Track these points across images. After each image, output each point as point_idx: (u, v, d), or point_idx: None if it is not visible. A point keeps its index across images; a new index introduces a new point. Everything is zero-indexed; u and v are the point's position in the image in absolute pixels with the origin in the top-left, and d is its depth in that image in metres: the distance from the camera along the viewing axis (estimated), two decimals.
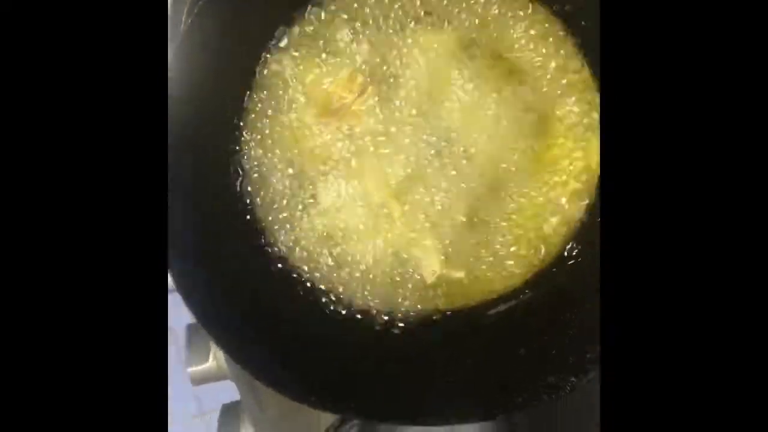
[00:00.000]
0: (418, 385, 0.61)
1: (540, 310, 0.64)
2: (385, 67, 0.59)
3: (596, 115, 0.60)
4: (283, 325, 0.61)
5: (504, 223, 0.63)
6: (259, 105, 0.60)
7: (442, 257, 0.62)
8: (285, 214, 0.62)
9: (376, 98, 0.59)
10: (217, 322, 0.55)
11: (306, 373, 0.59)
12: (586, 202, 0.63)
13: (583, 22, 0.59)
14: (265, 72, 0.60)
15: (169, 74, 0.50)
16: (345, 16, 0.59)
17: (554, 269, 0.64)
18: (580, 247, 0.64)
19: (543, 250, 0.64)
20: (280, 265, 0.63)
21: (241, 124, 0.61)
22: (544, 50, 0.59)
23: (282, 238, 0.62)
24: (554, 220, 0.63)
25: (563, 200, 0.62)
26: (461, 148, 0.60)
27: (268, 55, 0.60)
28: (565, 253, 0.64)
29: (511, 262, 0.64)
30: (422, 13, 0.59)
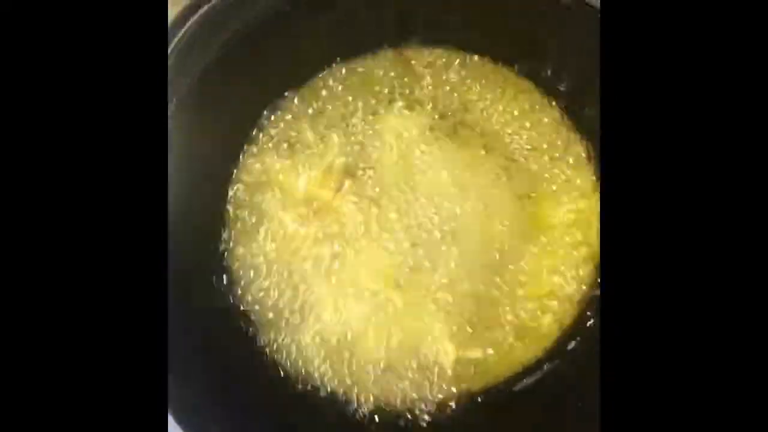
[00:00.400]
0: None
1: (569, 379, 0.60)
2: (360, 158, 0.58)
3: (586, 178, 0.59)
4: None
5: (515, 292, 0.60)
6: (239, 212, 0.60)
7: (455, 339, 0.59)
8: (285, 323, 0.60)
9: (356, 191, 0.58)
10: None
11: None
12: (593, 266, 0.60)
13: (560, 88, 0.59)
14: (241, 179, 0.59)
15: None
16: (311, 114, 0.59)
17: (577, 335, 0.61)
18: (599, 309, 0.60)
19: (562, 313, 0.60)
20: (284, 375, 0.60)
21: (223, 232, 0.60)
22: (515, 112, 0.59)
23: (284, 346, 0.60)
24: (567, 280, 0.60)
25: (571, 265, 0.60)
26: (453, 228, 0.58)
27: (240, 162, 0.59)
28: (586, 314, 0.61)
29: (529, 333, 0.60)
30: (389, 98, 0.58)
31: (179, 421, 0.49)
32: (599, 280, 0.59)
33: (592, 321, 0.60)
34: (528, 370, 0.61)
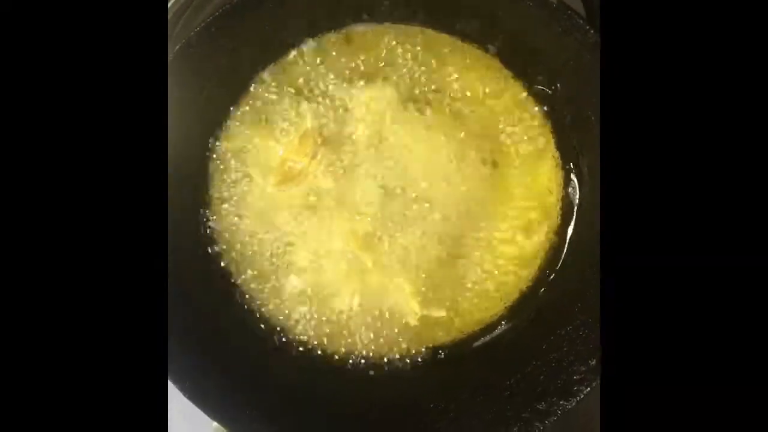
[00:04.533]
0: (413, 427, 0.62)
1: (525, 335, 0.64)
2: (333, 127, 0.62)
3: (547, 150, 0.63)
4: (274, 386, 0.62)
5: (478, 255, 0.64)
6: (222, 178, 0.63)
7: (421, 298, 0.63)
8: (263, 279, 0.64)
9: (330, 157, 0.61)
10: (205, 394, 0.57)
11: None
12: (554, 224, 0.64)
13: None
14: (221, 148, 0.63)
15: None
16: (288, 86, 0.62)
17: (535, 292, 0.65)
18: (557, 267, 0.65)
19: (521, 275, 0.65)
20: (263, 326, 0.65)
21: (206, 195, 0.64)
22: (480, 84, 0.62)
23: (264, 301, 0.65)
24: (526, 243, 0.64)
25: (531, 224, 0.64)
26: (420, 193, 0.62)
27: (220, 132, 0.63)
28: (544, 275, 0.65)
29: (491, 292, 0.65)
30: (363, 72, 0.62)
31: None
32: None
33: (547, 282, 0.65)
34: (488, 328, 0.65)
